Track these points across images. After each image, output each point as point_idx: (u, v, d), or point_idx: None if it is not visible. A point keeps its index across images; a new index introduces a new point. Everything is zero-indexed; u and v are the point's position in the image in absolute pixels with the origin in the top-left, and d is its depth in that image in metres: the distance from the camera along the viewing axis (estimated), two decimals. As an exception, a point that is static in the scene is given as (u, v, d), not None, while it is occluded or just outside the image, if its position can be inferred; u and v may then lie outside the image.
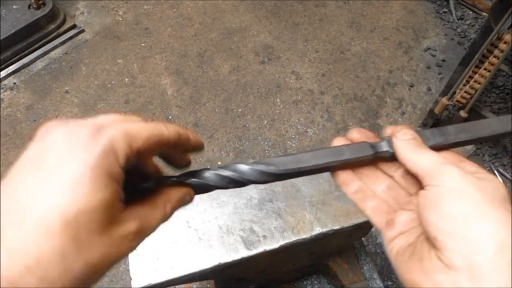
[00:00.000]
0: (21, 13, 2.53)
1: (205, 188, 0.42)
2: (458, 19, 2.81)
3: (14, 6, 2.56)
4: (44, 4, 2.58)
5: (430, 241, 0.35)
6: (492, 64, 1.74)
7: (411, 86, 2.49)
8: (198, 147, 0.41)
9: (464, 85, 1.89)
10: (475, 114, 1.96)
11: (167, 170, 0.43)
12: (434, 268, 0.34)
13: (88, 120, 0.34)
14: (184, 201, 0.40)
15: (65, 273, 0.27)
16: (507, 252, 0.31)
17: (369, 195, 0.44)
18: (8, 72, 2.51)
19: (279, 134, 2.29)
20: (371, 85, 2.50)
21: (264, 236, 0.91)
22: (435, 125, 2.18)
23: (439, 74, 2.55)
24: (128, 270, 0.97)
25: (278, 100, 2.43)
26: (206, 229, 0.92)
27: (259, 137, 2.28)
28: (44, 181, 0.29)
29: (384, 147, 0.44)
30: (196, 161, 2.18)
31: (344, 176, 0.45)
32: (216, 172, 0.41)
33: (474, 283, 0.31)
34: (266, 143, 2.26)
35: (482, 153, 2.22)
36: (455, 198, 0.34)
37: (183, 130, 0.38)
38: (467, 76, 1.86)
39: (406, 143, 0.41)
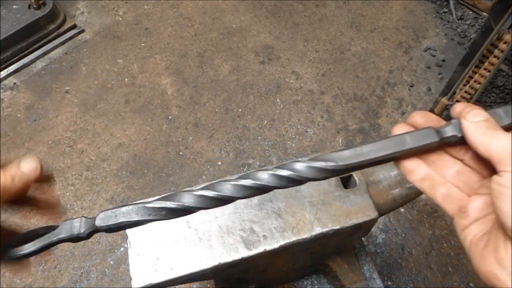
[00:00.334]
0: (21, 13, 2.53)
1: (263, 189, 0.40)
2: (458, 19, 2.81)
3: (14, 6, 2.56)
4: (44, 4, 2.58)
5: (504, 230, 0.33)
6: (492, 64, 1.74)
7: (411, 86, 2.49)
8: (47, 179, 0.40)
9: (464, 85, 1.89)
10: (475, 114, 1.96)
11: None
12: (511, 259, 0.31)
13: None
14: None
15: None
16: None
17: (438, 181, 0.41)
18: (8, 72, 2.51)
19: (279, 134, 2.29)
20: (371, 85, 2.50)
21: (264, 236, 0.91)
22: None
23: (439, 74, 2.55)
24: (128, 270, 0.98)
25: (278, 100, 2.43)
26: (206, 229, 0.92)
27: (259, 137, 2.28)
28: None
29: (451, 131, 0.40)
30: (196, 161, 2.18)
31: (409, 164, 0.42)
32: (273, 172, 0.40)
33: None
34: (266, 143, 2.26)
35: None
36: None
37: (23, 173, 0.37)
38: (467, 76, 1.86)
39: (477, 125, 0.37)
